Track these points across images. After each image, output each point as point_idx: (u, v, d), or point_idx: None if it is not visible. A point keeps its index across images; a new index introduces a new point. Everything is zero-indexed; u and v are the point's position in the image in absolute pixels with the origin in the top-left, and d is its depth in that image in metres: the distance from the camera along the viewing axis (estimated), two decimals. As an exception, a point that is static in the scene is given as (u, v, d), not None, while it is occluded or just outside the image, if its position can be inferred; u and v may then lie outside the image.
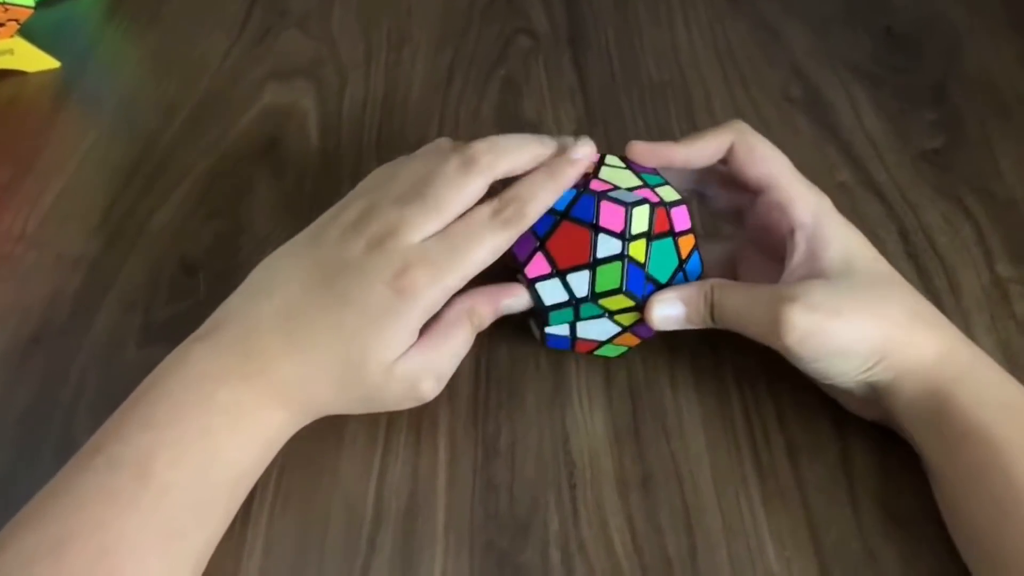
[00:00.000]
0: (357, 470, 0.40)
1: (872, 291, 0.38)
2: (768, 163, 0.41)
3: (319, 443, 0.40)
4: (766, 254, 0.42)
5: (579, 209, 0.38)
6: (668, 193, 0.40)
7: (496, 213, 0.38)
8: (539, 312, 0.40)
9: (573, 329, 0.40)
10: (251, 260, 0.48)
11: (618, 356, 0.42)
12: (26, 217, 0.51)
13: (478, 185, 0.38)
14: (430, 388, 0.38)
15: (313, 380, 0.37)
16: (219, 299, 0.46)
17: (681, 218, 0.40)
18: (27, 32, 0.60)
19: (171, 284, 0.48)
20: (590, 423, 0.41)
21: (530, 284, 0.39)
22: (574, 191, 0.39)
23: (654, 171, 0.41)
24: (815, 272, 0.38)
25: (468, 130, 0.56)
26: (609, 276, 0.38)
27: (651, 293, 0.39)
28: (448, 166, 0.38)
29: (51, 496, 0.33)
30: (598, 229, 0.38)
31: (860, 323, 0.36)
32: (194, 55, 0.62)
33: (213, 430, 0.35)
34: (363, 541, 0.37)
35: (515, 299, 0.40)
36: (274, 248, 0.49)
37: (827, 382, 0.39)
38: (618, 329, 0.40)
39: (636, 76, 0.60)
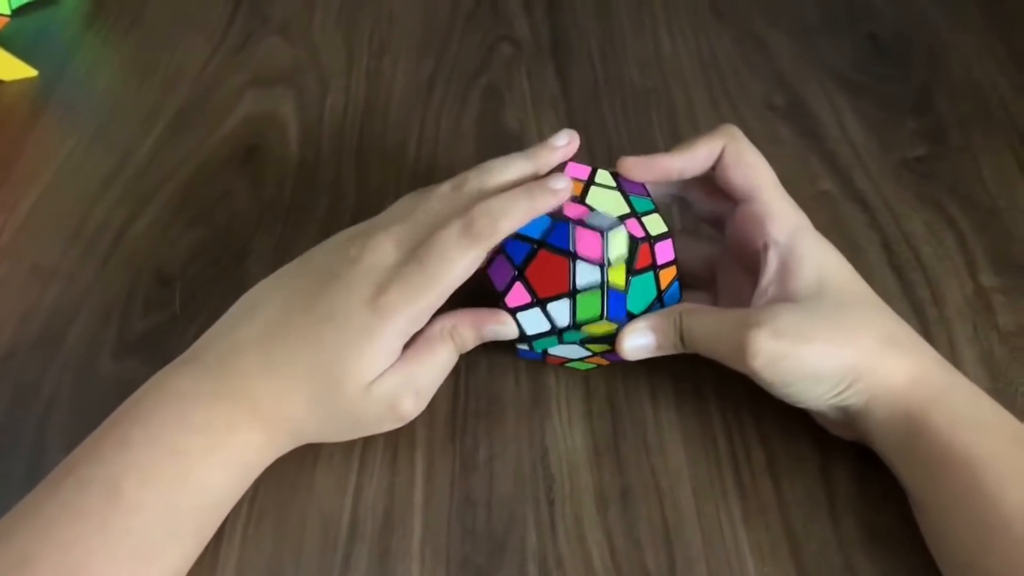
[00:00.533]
0: (333, 486, 0.39)
1: (843, 315, 0.37)
2: (753, 173, 0.40)
3: (295, 459, 0.39)
4: (742, 265, 0.42)
5: (555, 236, 0.37)
6: (655, 224, 0.39)
7: (466, 228, 0.37)
8: (523, 339, 0.39)
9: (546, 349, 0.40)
10: (229, 270, 0.48)
11: (588, 369, 0.42)
12: (1, 227, 0.50)
13: (479, 256, 0.37)
14: (410, 406, 0.38)
15: (289, 399, 0.36)
16: (196, 311, 0.46)
17: (665, 251, 0.39)
18: (3, 40, 0.59)
19: (147, 296, 0.47)
20: (569, 437, 0.41)
21: (511, 313, 0.38)
22: (548, 218, 0.38)
23: (644, 189, 0.41)
24: (786, 293, 0.38)
25: (450, 139, 0.56)
26: (589, 304, 0.38)
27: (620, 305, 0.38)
28: (451, 231, 0.37)
29: (20, 515, 0.33)
30: (575, 257, 0.37)
31: (828, 349, 0.36)
32: (174, 62, 0.62)
33: (185, 450, 0.35)
34: (338, 558, 0.37)
35: (502, 327, 0.39)
36: (252, 258, 0.49)
37: (800, 406, 0.38)
38: (589, 354, 0.40)
39: (619, 85, 0.60)
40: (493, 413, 0.42)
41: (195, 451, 0.35)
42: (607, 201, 0.39)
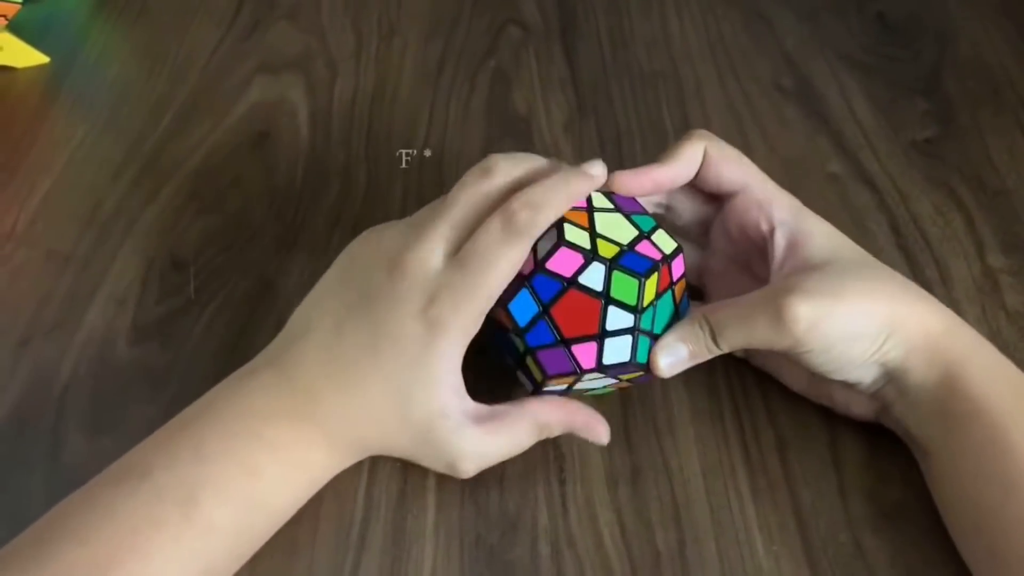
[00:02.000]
0: (348, 468, 0.40)
1: (865, 272, 0.38)
2: (741, 165, 0.41)
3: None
4: (735, 263, 0.42)
5: (588, 277, 0.36)
6: (664, 242, 0.38)
7: (507, 224, 0.35)
8: (543, 377, 0.37)
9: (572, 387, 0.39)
10: (242, 256, 0.49)
11: (607, 394, 0.41)
12: (16, 215, 0.51)
13: (524, 252, 0.36)
14: (468, 470, 0.37)
15: (359, 421, 0.36)
16: (210, 296, 0.47)
17: (678, 267, 0.38)
18: (15, 27, 0.59)
19: (161, 281, 0.48)
20: (579, 418, 0.41)
21: (531, 351, 0.37)
22: (581, 256, 0.36)
23: (638, 204, 0.39)
24: (801, 264, 0.38)
25: (459, 122, 0.56)
26: (618, 348, 0.36)
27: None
28: (492, 230, 0.36)
29: (97, 512, 0.33)
30: (609, 300, 0.36)
31: (863, 301, 0.36)
32: (183, 49, 0.62)
33: (260, 470, 0.35)
34: (353, 537, 0.38)
35: (592, 432, 0.38)
36: (264, 243, 0.49)
37: (838, 377, 0.38)
38: (616, 381, 0.39)
39: (627, 66, 0.60)
40: (504, 394, 0.42)
41: (268, 471, 0.35)
42: (614, 227, 0.37)
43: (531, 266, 0.36)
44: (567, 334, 0.36)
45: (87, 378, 0.43)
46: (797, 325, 0.35)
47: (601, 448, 0.40)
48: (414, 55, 0.61)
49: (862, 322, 0.36)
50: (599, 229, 0.37)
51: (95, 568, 0.31)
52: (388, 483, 0.39)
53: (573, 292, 0.36)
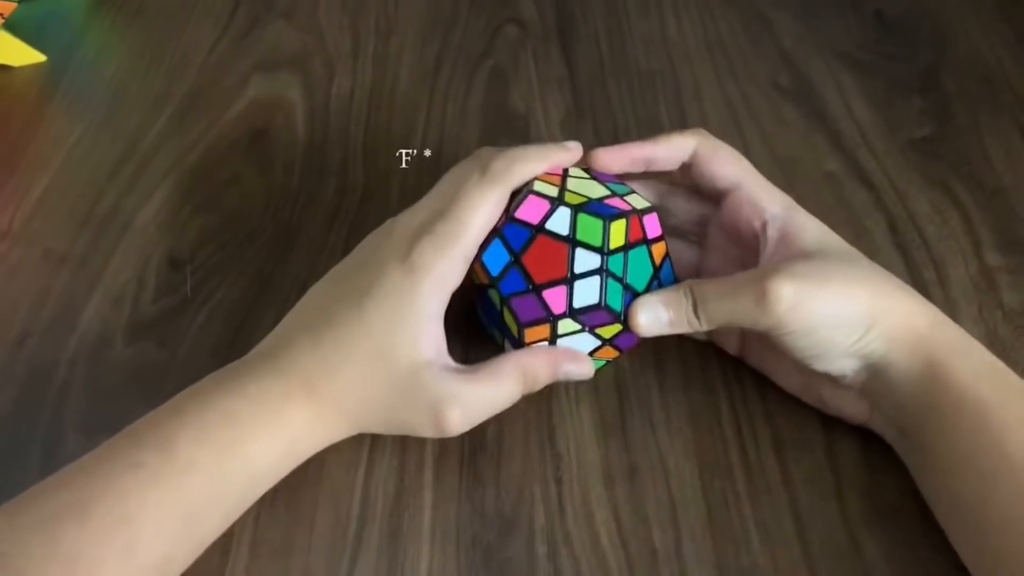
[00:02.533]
0: (344, 467, 0.40)
1: (853, 265, 0.38)
2: (735, 163, 0.41)
3: (306, 439, 0.40)
4: (732, 263, 0.42)
5: (555, 222, 0.37)
6: (637, 201, 0.39)
7: (483, 172, 0.37)
8: (518, 327, 0.38)
9: (553, 344, 0.39)
10: (239, 254, 0.49)
11: (598, 369, 0.41)
12: (12, 213, 0.51)
13: (502, 197, 0.38)
14: (454, 419, 0.36)
15: (340, 376, 0.36)
16: (207, 294, 0.47)
17: (653, 225, 0.39)
18: (12, 26, 0.59)
19: (158, 279, 0.47)
20: (576, 416, 0.41)
21: (505, 300, 0.38)
22: (548, 203, 0.37)
23: (619, 182, 0.40)
24: (791, 255, 0.38)
25: (456, 121, 0.56)
26: (587, 291, 0.37)
27: (629, 304, 0.38)
28: (470, 179, 0.38)
29: (78, 467, 0.34)
30: (576, 243, 0.37)
31: (848, 289, 0.37)
32: (180, 48, 0.62)
33: (237, 416, 0.35)
34: (350, 537, 0.38)
35: (577, 366, 0.39)
36: (261, 241, 0.49)
37: (820, 367, 0.38)
38: (598, 343, 0.39)
39: (625, 66, 0.60)
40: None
41: (246, 417, 0.35)
42: (586, 187, 0.39)
43: (503, 220, 0.38)
44: (538, 280, 0.37)
45: (84, 376, 0.43)
46: (780, 304, 0.36)
47: (598, 447, 0.40)
48: (411, 54, 0.61)
49: (844, 309, 0.36)
50: (570, 187, 0.38)
51: (77, 507, 0.32)
52: (384, 482, 0.39)
53: (541, 238, 0.37)
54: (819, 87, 0.58)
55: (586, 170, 0.40)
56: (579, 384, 0.42)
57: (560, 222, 0.37)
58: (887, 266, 0.42)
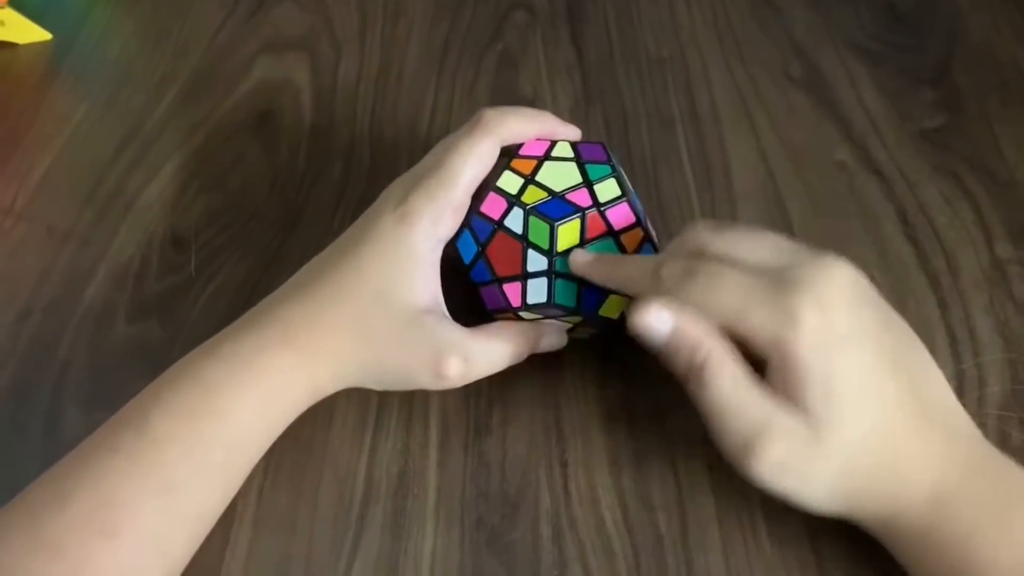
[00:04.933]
0: (348, 447, 0.39)
1: (853, 438, 0.32)
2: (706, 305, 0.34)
3: (310, 419, 0.40)
4: None
5: (512, 220, 0.38)
6: (608, 190, 0.39)
7: (474, 124, 0.39)
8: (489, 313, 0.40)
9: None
10: (243, 234, 0.48)
11: (583, 338, 0.42)
12: (16, 190, 0.51)
13: (492, 147, 0.39)
14: (455, 367, 0.36)
15: (326, 323, 0.36)
16: (211, 274, 0.46)
17: (620, 216, 0.38)
18: (17, 3, 0.59)
19: (161, 258, 0.47)
20: (583, 401, 0.41)
21: (474, 287, 0.39)
22: (506, 202, 0.38)
23: (604, 153, 0.40)
24: (793, 397, 0.32)
25: (463, 105, 0.56)
26: (538, 290, 0.38)
27: (592, 298, 0.38)
28: (461, 132, 0.39)
29: (60, 463, 0.34)
30: (528, 243, 0.38)
31: (828, 487, 0.33)
32: (187, 28, 0.61)
33: (208, 379, 0.35)
34: (353, 517, 0.37)
35: (548, 338, 0.40)
36: (266, 222, 0.49)
37: None
38: (569, 325, 0.40)
39: (634, 52, 0.59)
40: (506, 377, 0.42)
41: (219, 378, 0.35)
42: (559, 175, 0.39)
43: (471, 214, 0.39)
44: (499, 273, 0.38)
45: (85, 353, 0.43)
46: (757, 467, 0.33)
47: (604, 432, 0.40)
48: (419, 37, 0.61)
49: (821, 504, 0.34)
50: (538, 177, 0.39)
51: (58, 497, 0.32)
52: (389, 463, 0.39)
53: (501, 234, 0.38)
54: (830, 76, 0.57)
55: (574, 145, 0.40)
56: (586, 368, 0.42)
57: (515, 221, 0.38)
58: (897, 257, 0.42)
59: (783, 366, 0.32)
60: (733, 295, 0.33)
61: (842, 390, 0.32)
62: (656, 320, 0.34)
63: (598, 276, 0.37)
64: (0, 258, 0.47)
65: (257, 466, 0.38)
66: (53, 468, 0.34)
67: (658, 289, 0.34)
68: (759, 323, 0.32)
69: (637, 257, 0.37)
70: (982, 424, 0.40)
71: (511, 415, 0.40)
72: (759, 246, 0.34)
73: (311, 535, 0.37)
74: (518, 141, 0.40)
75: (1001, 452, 0.34)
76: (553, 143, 0.40)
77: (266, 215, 0.49)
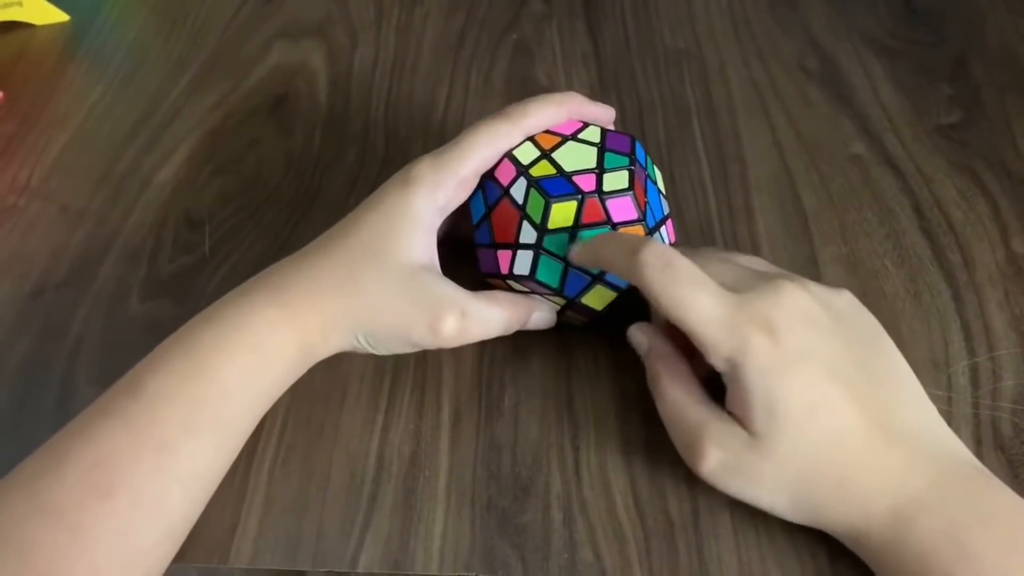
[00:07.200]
0: (360, 427, 0.39)
1: (798, 451, 0.33)
2: (675, 309, 0.34)
3: (322, 398, 0.40)
4: None
5: (516, 189, 0.38)
6: (616, 180, 0.38)
7: (497, 113, 0.39)
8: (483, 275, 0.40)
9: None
10: (257, 216, 0.48)
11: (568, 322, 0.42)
12: (31, 169, 0.51)
13: (509, 132, 0.39)
14: (451, 325, 0.36)
15: (322, 281, 0.36)
16: (225, 255, 0.46)
17: (622, 209, 0.38)
18: (35, -16, 0.59)
19: (175, 239, 0.47)
20: (595, 384, 0.41)
21: (476, 248, 0.40)
22: (515, 170, 0.38)
23: (629, 145, 0.39)
24: (742, 413, 0.34)
25: (479, 94, 0.56)
26: (523, 262, 0.38)
27: (577, 283, 0.38)
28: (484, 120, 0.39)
29: (66, 426, 0.34)
30: (525, 215, 0.38)
31: (788, 496, 0.34)
32: (204, 12, 0.62)
33: (197, 338, 0.35)
34: (364, 496, 0.37)
35: (540, 313, 0.40)
36: (280, 205, 0.49)
37: None
38: (557, 307, 0.40)
39: (651, 43, 0.59)
40: (519, 360, 0.42)
41: (208, 337, 0.35)
42: (577, 156, 0.39)
43: (487, 175, 0.39)
44: (497, 238, 0.39)
45: (98, 332, 0.43)
46: (704, 465, 0.35)
47: (616, 416, 0.40)
48: (435, 25, 0.61)
49: (773, 508, 0.35)
50: (555, 154, 0.39)
51: (53, 462, 0.33)
52: (400, 445, 0.39)
53: (505, 201, 0.39)
54: (846, 71, 0.57)
55: (604, 132, 0.40)
56: (598, 352, 0.42)
57: (519, 191, 0.38)
58: (912, 250, 0.42)
59: (734, 385, 0.34)
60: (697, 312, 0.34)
61: (784, 408, 0.33)
62: (634, 339, 0.39)
63: (585, 257, 0.37)
64: (15, 236, 0.47)
65: (268, 445, 0.38)
66: (52, 437, 0.34)
67: (637, 274, 0.34)
68: (714, 343, 0.33)
69: (620, 235, 0.37)
70: (996, 418, 0.40)
71: (523, 398, 0.40)
72: (725, 268, 0.36)
73: (322, 514, 0.36)
74: (545, 128, 0.40)
75: (989, 474, 0.34)
76: (585, 125, 0.40)
77: (280, 198, 0.49)
